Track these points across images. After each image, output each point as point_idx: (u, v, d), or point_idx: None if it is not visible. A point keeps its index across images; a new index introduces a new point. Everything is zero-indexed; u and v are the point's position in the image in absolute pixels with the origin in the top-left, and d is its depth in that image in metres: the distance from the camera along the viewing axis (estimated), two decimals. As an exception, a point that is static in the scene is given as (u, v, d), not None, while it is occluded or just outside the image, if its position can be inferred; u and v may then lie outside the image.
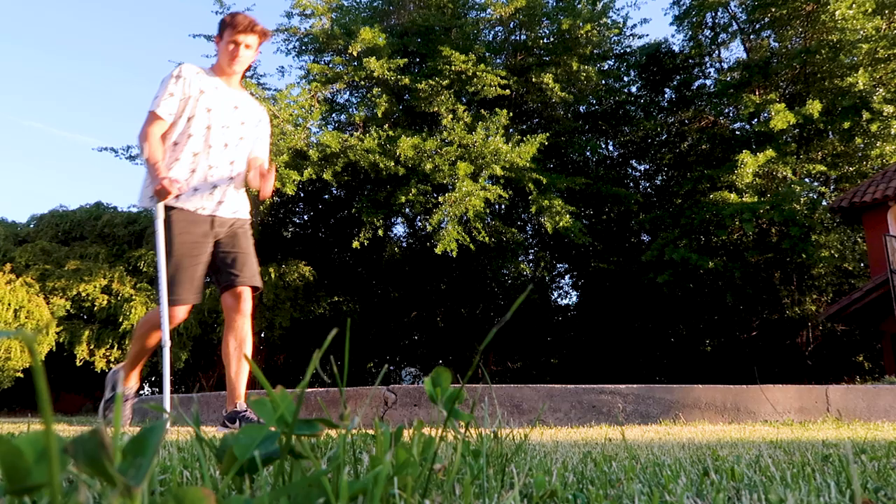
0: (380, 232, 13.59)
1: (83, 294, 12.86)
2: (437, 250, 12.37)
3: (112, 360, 12.96)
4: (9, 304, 11.60)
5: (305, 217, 17.33)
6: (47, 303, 12.60)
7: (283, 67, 30.59)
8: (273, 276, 13.84)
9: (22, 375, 11.86)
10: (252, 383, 12.65)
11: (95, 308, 12.91)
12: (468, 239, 12.79)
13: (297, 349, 16.18)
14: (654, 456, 1.14)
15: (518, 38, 16.43)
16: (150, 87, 58.79)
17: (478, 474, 0.63)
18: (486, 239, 13.38)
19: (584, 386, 4.24)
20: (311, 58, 15.73)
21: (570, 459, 1.02)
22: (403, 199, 12.98)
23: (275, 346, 15.99)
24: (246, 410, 2.99)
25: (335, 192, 16.24)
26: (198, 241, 3.03)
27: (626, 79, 17.87)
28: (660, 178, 18.98)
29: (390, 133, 13.37)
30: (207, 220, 3.05)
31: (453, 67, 13.67)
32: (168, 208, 3.02)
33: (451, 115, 13.56)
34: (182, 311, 2.99)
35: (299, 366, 16.83)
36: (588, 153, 17.65)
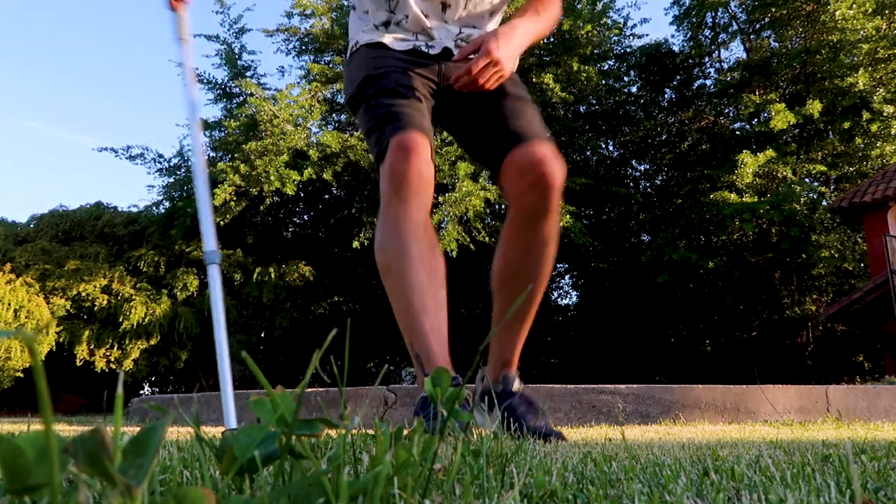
0: (380, 232, 13.58)
1: (83, 294, 12.87)
2: (438, 250, 12.37)
3: (112, 360, 12.97)
4: (9, 304, 11.61)
5: (305, 217, 17.33)
6: (47, 303, 12.60)
7: (283, 67, 30.52)
8: (273, 276, 13.85)
9: (22, 375, 11.87)
10: (252, 383, 12.64)
11: (95, 308, 12.92)
12: (468, 239, 12.79)
13: (297, 349, 16.18)
14: (654, 456, 1.14)
15: (518, 38, 16.41)
16: (150, 87, 58.72)
17: (478, 474, 0.63)
18: (487, 239, 13.38)
19: (583, 386, 4.23)
20: (312, 58, 15.74)
21: (570, 459, 1.02)
22: (403, 199, 12.97)
23: (275, 346, 15.99)
24: (513, 395, 1.78)
25: (335, 192, 16.24)
26: (407, 71, 1.80)
27: (626, 79, 17.88)
28: (660, 178, 18.98)
29: (390, 133, 13.37)
30: (431, 63, 1.84)
31: (453, 67, 13.67)
32: (354, 50, 1.91)
33: (451, 115, 13.56)
34: (408, 141, 1.65)
35: (299, 366, 16.82)
36: (588, 153, 17.66)
